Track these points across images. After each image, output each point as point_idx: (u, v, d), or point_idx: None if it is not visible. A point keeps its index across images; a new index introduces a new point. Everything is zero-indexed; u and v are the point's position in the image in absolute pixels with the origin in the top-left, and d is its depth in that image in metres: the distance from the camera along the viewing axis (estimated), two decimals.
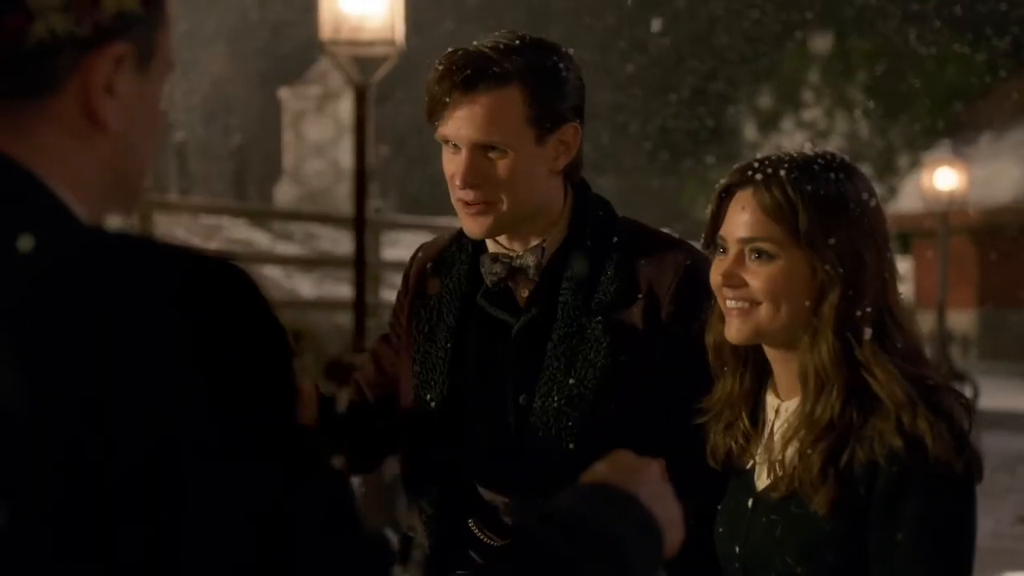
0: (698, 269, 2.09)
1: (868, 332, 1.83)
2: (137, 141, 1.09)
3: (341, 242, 13.92)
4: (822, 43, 27.28)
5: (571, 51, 2.13)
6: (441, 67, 2.06)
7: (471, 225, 2.10)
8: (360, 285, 7.70)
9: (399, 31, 7.38)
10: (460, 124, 2.05)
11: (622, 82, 26.04)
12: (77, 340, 0.90)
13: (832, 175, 1.86)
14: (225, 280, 0.95)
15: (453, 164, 2.09)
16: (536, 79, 2.05)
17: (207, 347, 0.92)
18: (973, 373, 16.02)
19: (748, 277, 1.88)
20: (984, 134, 24.20)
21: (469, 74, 2.03)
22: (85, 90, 1.04)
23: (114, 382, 0.90)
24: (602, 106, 23.35)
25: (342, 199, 16.35)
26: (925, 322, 18.82)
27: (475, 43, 2.08)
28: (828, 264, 1.83)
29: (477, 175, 2.06)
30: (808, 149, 1.92)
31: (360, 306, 7.64)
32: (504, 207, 2.07)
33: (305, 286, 13.24)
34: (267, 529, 0.93)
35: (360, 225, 7.74)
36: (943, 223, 18.07)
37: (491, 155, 2.06)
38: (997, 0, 23.43)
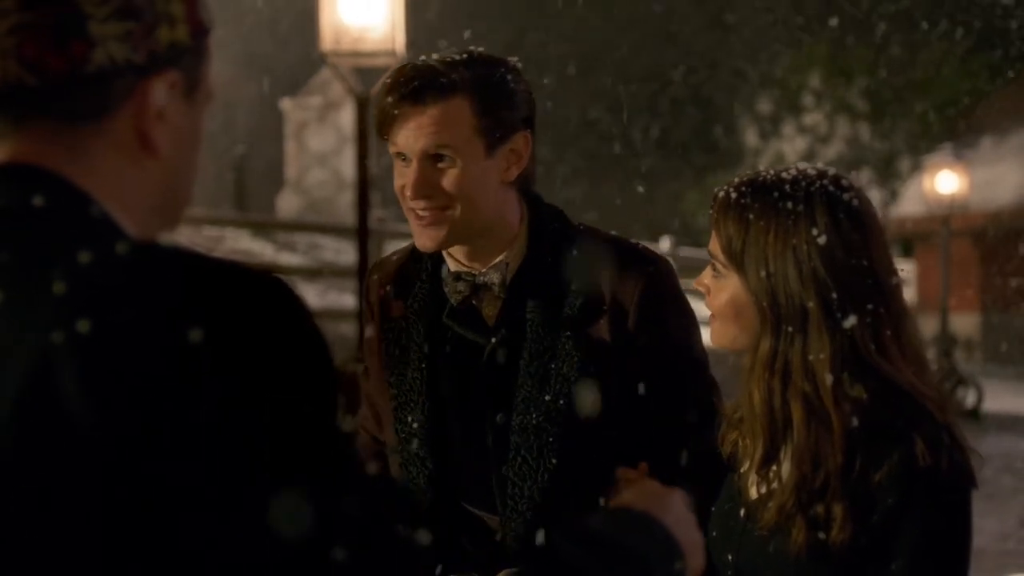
0: (660, 276, 2.13)
1: (830, 379, 1.77)
2: (182, 164, 1.15)
3: (344, 252, 13.94)
4: (821, 48, 27.28)
5: (519, 63, 2.15)
6: (390, 81, 2.09)
7: (423, 238, 2.11)
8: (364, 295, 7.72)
9: (400, 41, 7.40)
10: (409, 135, 2.07)
11: (622, 88, 26.08)
12: (127, 348, 0.94)
13: (790, 204, 1.78)
14: (268, 292, 0.99)
15: (403, 176, 2.10)
16: (483, 90, 2.07)
17: (250, 356, 0.95)
18: (977, 376, 16.02)
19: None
20: (985, 137, 24.21)
21: (416, 86, 2.05)
22: (138, 115, 1.09)
23: (160, 386, 0.93)
24: (602, 111, 23.37)
25: (345, 209, 16.36)
26: (928, 326, 18.83)
27: (423, 58, 2.11)
28: (760, 298, 1.80)
29: (426, 185, 2.07)
30: (811, 168, 1.83)
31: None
32: (455, 215, 2.08)
33: (309, 296, 13.23)
34: (307, 527, 0.96)
35: (363, 235, 7.76)
36: (945, 226, 18.08)
37: (440, 165, 2.07)
38: (998, 5, 23.45)
